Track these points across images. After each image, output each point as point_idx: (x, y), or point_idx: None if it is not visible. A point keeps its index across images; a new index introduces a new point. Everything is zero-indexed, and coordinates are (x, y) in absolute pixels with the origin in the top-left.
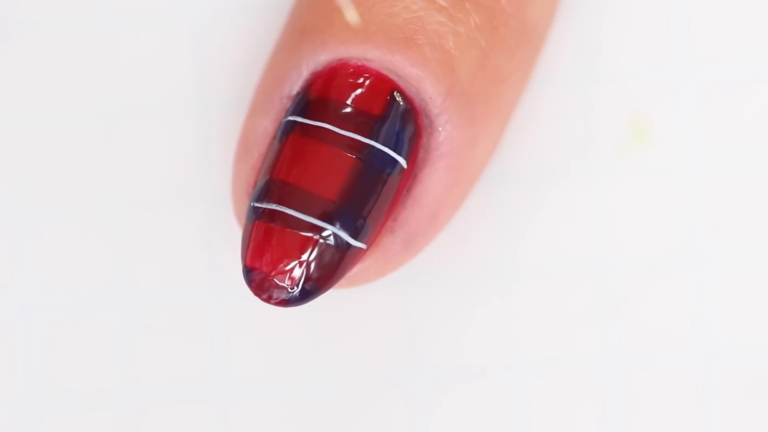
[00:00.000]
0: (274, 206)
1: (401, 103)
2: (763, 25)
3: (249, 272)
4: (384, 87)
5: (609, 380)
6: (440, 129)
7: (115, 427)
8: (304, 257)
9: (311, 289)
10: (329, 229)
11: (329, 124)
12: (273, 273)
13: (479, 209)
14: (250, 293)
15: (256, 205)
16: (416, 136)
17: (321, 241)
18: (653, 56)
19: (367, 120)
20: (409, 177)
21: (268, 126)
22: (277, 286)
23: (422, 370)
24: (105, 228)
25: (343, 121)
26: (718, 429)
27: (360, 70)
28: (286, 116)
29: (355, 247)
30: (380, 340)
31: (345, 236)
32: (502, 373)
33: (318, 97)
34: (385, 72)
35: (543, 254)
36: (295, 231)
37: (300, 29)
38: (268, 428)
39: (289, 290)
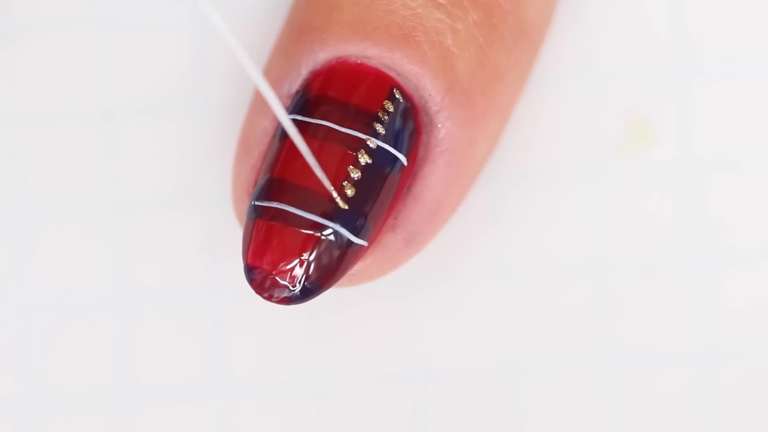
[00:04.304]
0: (275, 204)
1: (401, 101)
2: (763, 26)
3: (250, 271)
4: (383, 84)
5: (609, 380)
6: (440, 126)
7: (115, 427)
8: (306, 255)
9: (312, 287)
10: (330, 227)
11: (329, 121)
12: (274, 271)
13: (479, 209)
14: (250, 292)
15: (257, 203)
16: (416, 133)
17: (322, 238)
18: (653, 56)
19: (367, 117)
20: (410, 174)
21: (267, 125)
22: (279, 285)
23: (423, 370)
24: (104, 228)
25: (343, 119)
26: (718, 429)
27: (359, 68)
28: None
29: (357, 244)
30: (380, 339)
31: (346, 234)
32: (502, 373)
33: (317, 95)
34: (384, 69)
35: (543, 254)
36: (297, 229)
37: (299, 28)
38: (268, 428)
39: (291, 288)
